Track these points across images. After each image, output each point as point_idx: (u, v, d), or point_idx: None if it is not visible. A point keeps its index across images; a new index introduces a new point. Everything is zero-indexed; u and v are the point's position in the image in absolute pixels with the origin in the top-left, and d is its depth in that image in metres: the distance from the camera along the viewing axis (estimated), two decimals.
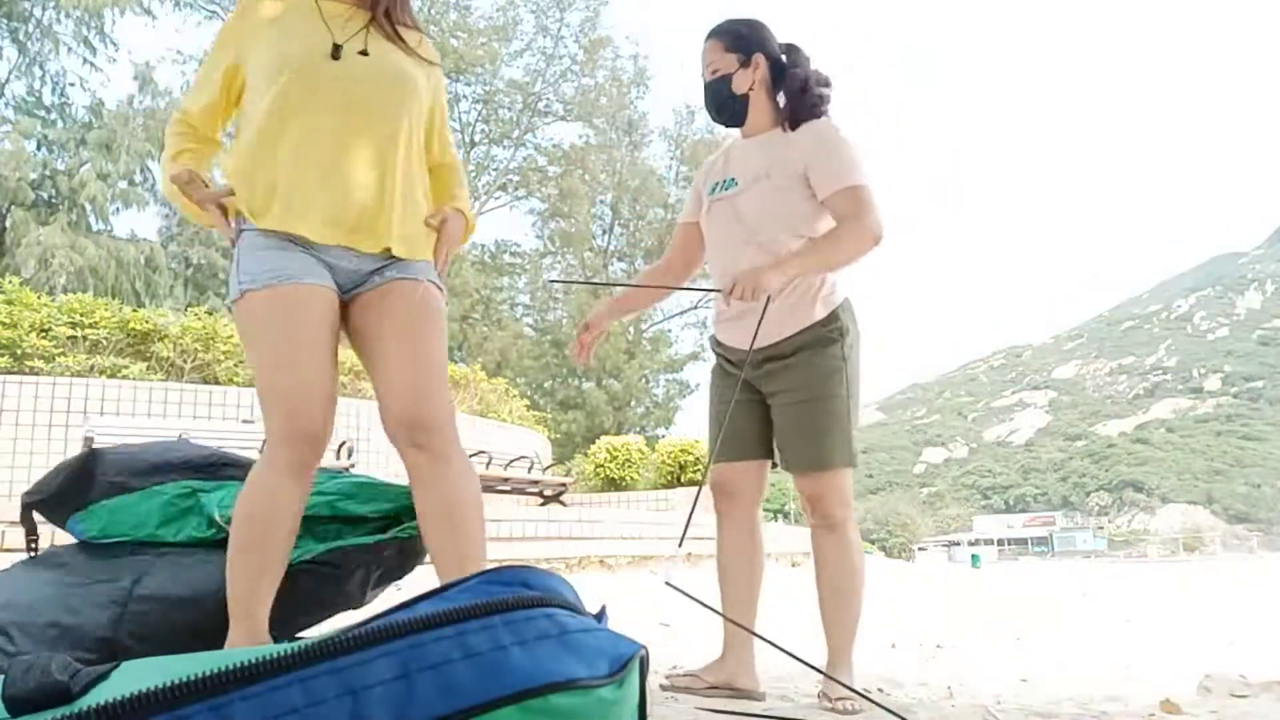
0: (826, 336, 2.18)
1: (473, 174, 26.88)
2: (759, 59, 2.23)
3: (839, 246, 2.09)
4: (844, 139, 2.18)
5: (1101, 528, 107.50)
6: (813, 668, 1.46)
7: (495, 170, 27.44)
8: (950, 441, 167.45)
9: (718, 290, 2.10)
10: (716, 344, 2.40)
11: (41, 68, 17.96)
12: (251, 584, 1.58)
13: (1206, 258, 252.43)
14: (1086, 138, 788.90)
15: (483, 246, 28.42)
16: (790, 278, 2.06)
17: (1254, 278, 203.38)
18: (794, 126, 2.22)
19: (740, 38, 2.24)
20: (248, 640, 1.54)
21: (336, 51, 1.63)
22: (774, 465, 2.35)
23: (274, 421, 1.57)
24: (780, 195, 2.18)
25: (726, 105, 2.26)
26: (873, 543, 42.41)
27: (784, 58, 2.27)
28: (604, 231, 29.78)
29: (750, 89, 2.24)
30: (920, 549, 65.02)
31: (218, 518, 1.85)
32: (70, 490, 1.89)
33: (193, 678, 0.76)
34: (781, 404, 2.22)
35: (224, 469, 1.98)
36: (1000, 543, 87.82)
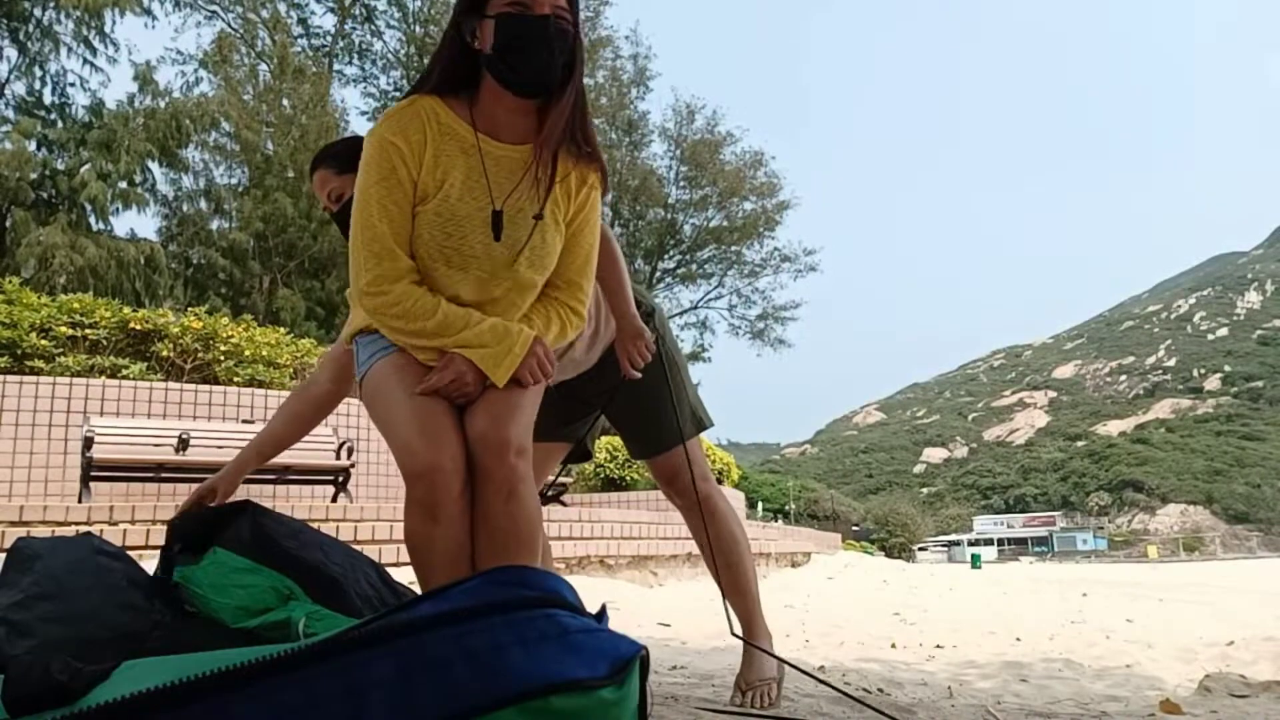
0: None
1: None
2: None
3: (621, 264, 2.06)
4: None
5: (1101, 528, 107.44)
6: (790, 664, 1.45)
7: None
8: (950, 441, 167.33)
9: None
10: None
11: (41, 68, 17.95)
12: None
13: (1206, 258, 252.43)
14: (1087, 137, 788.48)
15: None
16: (635, 312, 2.04)
17: (1254, 278, 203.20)
18: None
19: (352, 158, 1.96)
20: None
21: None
22: (572, 461, 2.43)
23: (405, 463, 1.59)
24: None
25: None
26: (872, 542, 42.36)
27: None
28: None
29: None
30: (920, 549, 64.96)
31: (301, 631, 1.61)
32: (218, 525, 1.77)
33: (193, 678, 0.76)
34: (614, 402, 2.20)
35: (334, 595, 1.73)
36: (1000, 543, 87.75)
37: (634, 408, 2.20)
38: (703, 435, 2.41)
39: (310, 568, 1.69)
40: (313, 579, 1.68)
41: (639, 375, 2.03)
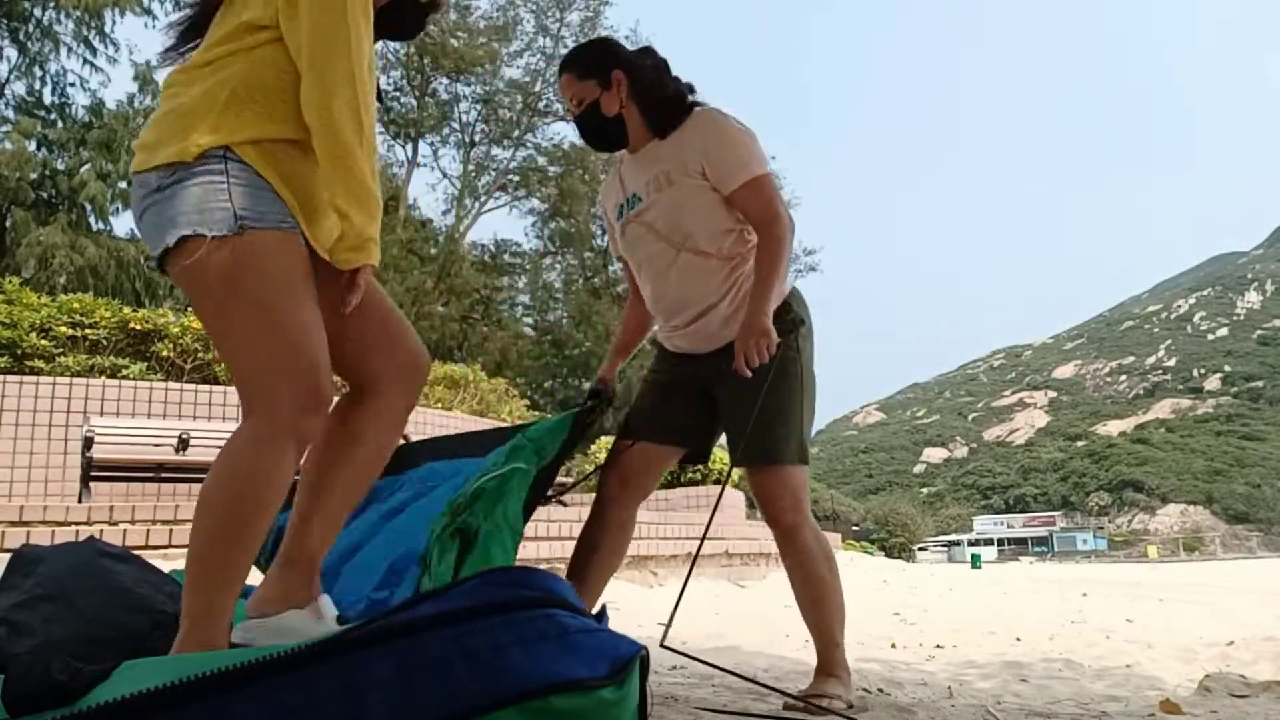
0: (779, 327, 2.06)
1: (473, 174, 26.89)
2: (618, 75, 2.16)
3: (777, 258, 2.05)
4: (733, 126, 2.12)
5: (1101, 528, 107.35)
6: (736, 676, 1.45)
7: (495, 170, 27.42)
8: (950, 441, 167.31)
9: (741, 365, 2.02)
10: (665, 355, 2.32)
11: (41, 68, 17.94)
12: (240, 575, 1.35)
13: (1206, 258, 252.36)
14: (1087, 137, 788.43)
15: (483, 246, 28.42)
16: (771, 308, 2.02)
17: (1254, 278, 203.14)
18: (664, 132, 2.17)
19: (590, 62, 2.18)
20: (209, 644, 1.30)
21: None
22: (689, 462, 2.31)
23: (291, 384, 1.37)
24: (688, 197, 2.12)
25: (603, 132, 2.20)
26: (872, 542, 42.34)
27: (638, 62, 2.19)
28: (604, 231, 29.72)
29: (620, 107, 2.17)
30: (920, 549, 64.93)
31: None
32: None
33: (193, 677, 0.76)
34: (731, 395, 2.12)
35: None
36: (1000, 543, 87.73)
37: (745, 409, 2.06)
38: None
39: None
40: None
41: (749, 373, 1.97)
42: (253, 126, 1.40)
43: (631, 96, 2.17)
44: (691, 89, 2.21)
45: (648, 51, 2.23)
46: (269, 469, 1.34)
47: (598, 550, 2.24)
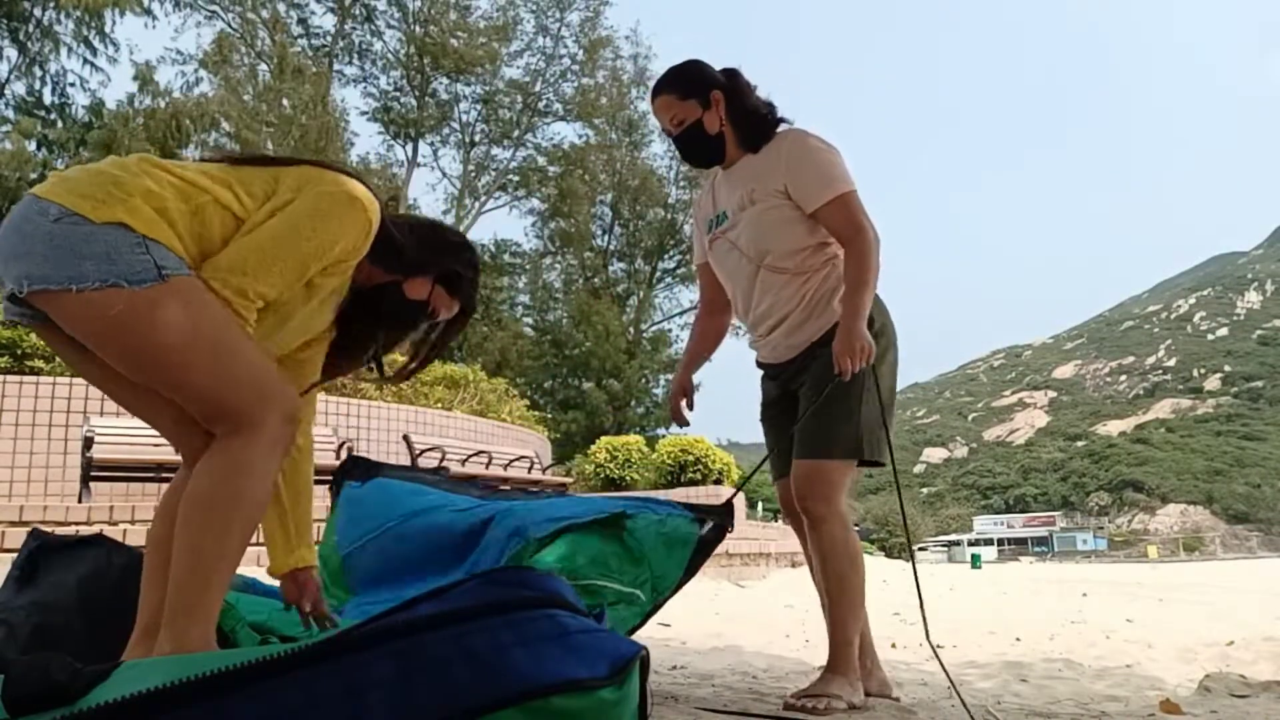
0: None
1: (473, 174, 26.89)
2: (716, 95, 2.24)
3: (864, 269, 2.12)
4: (816, 145, 2.20)
5: (1101, 528, 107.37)
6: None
7: (495, 170, 27.43)
8: (950, 441, 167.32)
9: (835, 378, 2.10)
10: (759, 365, 2.46)
11: (41, 68, 17.96)
12: (230, 576, 1.48)
13: (1206, 258, 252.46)
14: (1087, 137, 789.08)
15: (482, 246, 28.42)
16: (863, 321, 2.08)
17: (1254, 278, 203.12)
18: (754, 148, 2.26)
19: (691, 83, 2.26)
20: (203, 639, 1.40)
21: None
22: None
23: (277, 402, 1.51)
24: (769, 216, 2.21)
25: (706, 150, 2.29)
26: (872, 542, 42.35)
27: (731, 83, 2.28)
28: (604, 231, 29.77)
29: (721, 126, 2.26)
30: (920, 549, 64.97)
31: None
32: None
33: (193, 678, 0.76)
34: (805, 394, 2.23)
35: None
36: (1000, 542, 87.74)
37: (817, 407, 2.16)
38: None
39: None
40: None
41: (848, 376, 2.06)
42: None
43: (728, 115, 2.26)
44: (774, 107, 2.30)
45: (735, 73, 2.31)
46: (270, 472, 1.50)
47: (818, 585, 2.32)
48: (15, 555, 1.88)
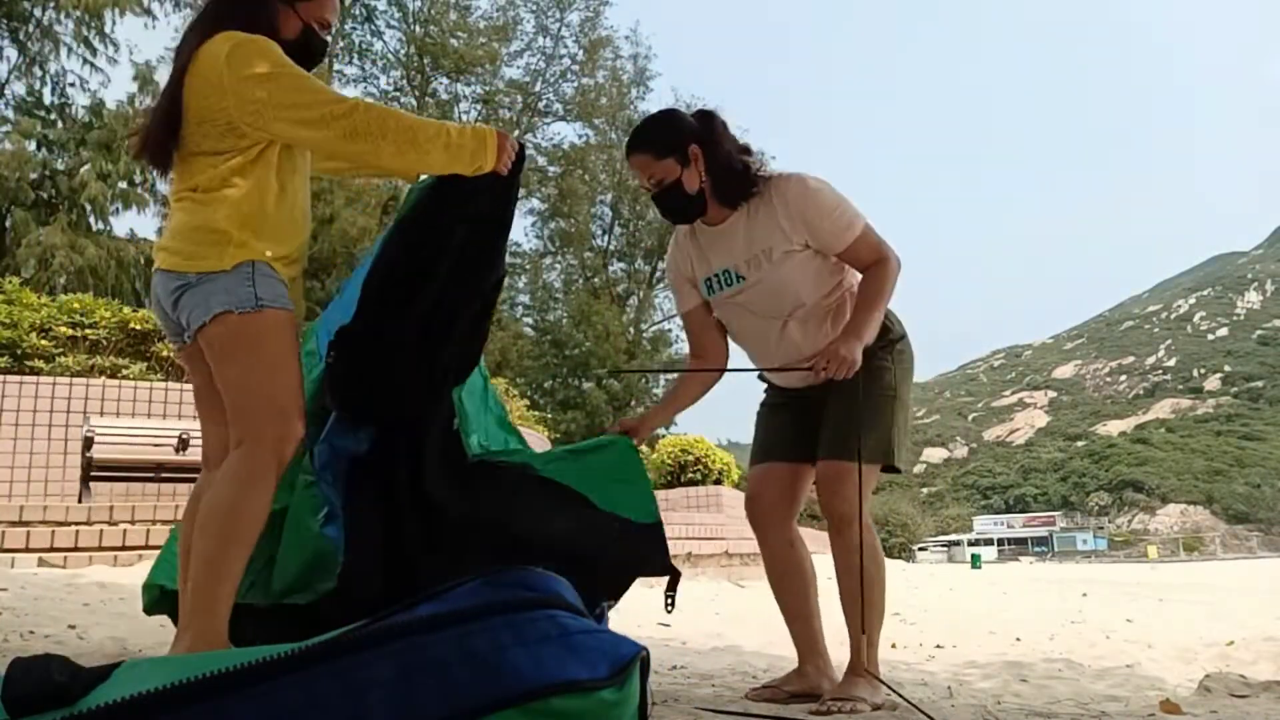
0: (880, 343, 2.20)
1: None
2: (694, 150, 2.15)
3: (882, 291, 2.14)
4: (823, 191, 2.16)
5: (1101, 528, 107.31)
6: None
7: None
8: (950, 441, 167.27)
9: (807, 367, 2.13)
10: (777, 389, 2.43)
11: (41, 68, 17.92)
12: (238, 581, 1.71)
13: (1206, 257, 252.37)
14: (1087, 137, 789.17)
15: None
16: (866, 342, 2.08)
17: (1254, 278, 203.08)
18: (735, 204, 2.20)
19: (667, 140, 2.16)
20: (216, 636, 1.66)
21: None
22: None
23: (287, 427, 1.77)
24: (795, 269, 2.18)
25: (687, 208, 2.21)
26: None
27: (707, 135, 2.19)
28: (604, 231, 29.76)
29: (701, 183, 2.17)
30: (920, 549, 64.94)
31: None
32: None
33: (193, 678, 0.76)
34: (833, 400, 2.20)
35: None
36: (1000, 543, 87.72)
37: (839, 411, 2.17)
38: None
39: None
40: None
41: (819, 377, 2.07)
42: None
43: (708, 168, 2.17)
44: (748, 150, 2.23)
45: (708, 116, 2.23)
46: (264, 480, 1.72)
47: (784, 577, 2.33)
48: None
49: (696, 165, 2.16)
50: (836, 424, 2.17)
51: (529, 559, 1.08)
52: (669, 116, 2.26)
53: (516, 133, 26.90)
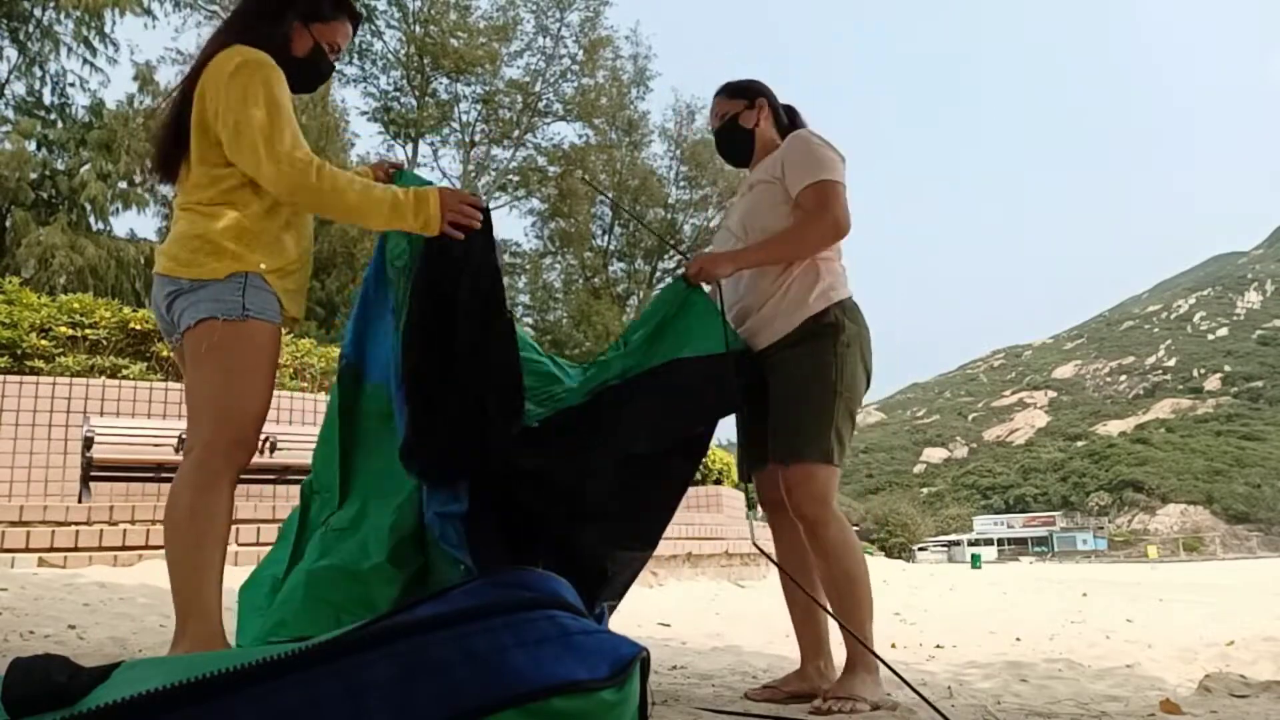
0: (818, 331, 2.20)
1: (472, 174, 26.87)
2: (762, 101, 2.47)
3: (800, 239, 2.22)
4: (820, 142, 2.30)
5: (1101, 528, 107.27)
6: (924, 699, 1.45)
7: (495, 170, 27.42)
8: (950, 441, 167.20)
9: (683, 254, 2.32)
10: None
11: (41, 68, 17.92)
12: (219, 579, 1.77)
13: (1206, 257, 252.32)
14: (1087, 137, 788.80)
15: None
16: (744, 266, 2.24)
17: (1254, 278, 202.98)
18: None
19: (742, 87, 2.50)
20: (211, 637, 1.70)
21: None
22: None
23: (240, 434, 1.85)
24: (762, 197, 2.32)
25: (734, 140, 2.47)
26: (872, 542, 42.34)
27: (772, 97, 2.52)
28: (604, 231, 29.76)
29: (756, 125, 2.45)
30: (920, 549, 64.94)
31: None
32: None
33: (193, 679, 0.76)
34: (772, 397, 2.23)
35: None
36: (1000, 543, 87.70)
37: (780, 408, 2.19)
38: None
39: None
40: None
41: (689, 276, 2.23)
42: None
43: (769, 124, 2.47)
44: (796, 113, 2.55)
45: (795, 111, 2.55)
46: (216, 487, 1.78)
47: (796, 574, 2.31)
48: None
49: (759, 112, 2.45)
50: (777, 426, 2.19)
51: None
52: (754, 80, 2.56)
53: (516, 133, 27.01)
